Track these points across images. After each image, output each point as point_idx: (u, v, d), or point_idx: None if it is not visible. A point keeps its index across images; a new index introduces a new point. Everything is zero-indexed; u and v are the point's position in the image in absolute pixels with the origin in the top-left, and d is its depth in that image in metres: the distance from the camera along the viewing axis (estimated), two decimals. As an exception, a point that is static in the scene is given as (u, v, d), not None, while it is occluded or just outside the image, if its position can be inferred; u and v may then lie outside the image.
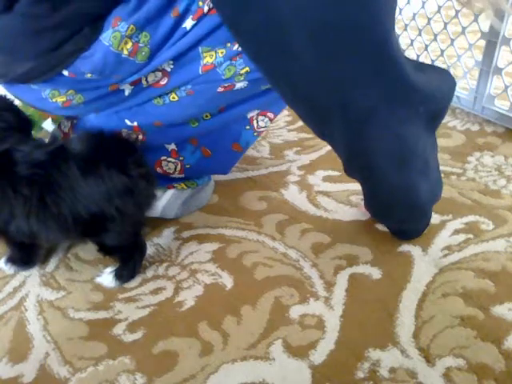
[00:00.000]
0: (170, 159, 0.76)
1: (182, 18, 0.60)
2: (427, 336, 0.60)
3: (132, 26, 0.58)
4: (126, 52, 0.60)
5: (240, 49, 0.62)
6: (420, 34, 1.10)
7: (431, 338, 0.60)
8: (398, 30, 1.17)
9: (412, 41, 1.13)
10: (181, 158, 0.76)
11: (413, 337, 0.60)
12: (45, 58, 0.60)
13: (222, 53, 0.63)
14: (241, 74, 0.65)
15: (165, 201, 0.79)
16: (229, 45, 0.62)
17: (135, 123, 0.71)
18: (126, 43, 0.59)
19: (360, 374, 0.56)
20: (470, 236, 0.74)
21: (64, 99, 0.66)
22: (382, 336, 0.60)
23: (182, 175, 0.78)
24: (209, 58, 0.63)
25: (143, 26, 0.59)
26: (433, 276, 0.68)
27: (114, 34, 0.58)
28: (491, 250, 0.71)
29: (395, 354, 0.58)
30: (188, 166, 0.77)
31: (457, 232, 0.75)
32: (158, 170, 0.76)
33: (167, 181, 0.79)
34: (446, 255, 0.71)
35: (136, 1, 0.58)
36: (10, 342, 0.62)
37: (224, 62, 0.63)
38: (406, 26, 1.14)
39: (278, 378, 0.56)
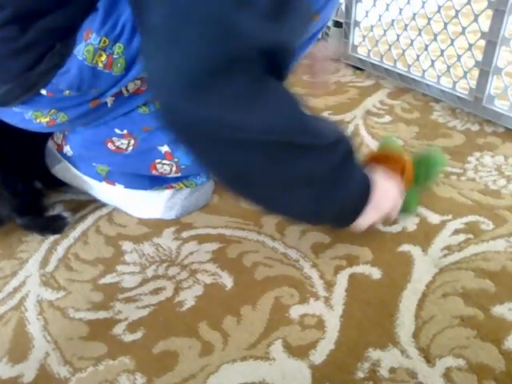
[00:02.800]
0: (164, 161, 0.75)
1: None
2: (427, 336, 0.60)
3: (104, 38, 0.58)
4: (101, 65, 0.59)
5: None
6: (420, 34, 1.11)
7: (431, 337, 0.60)
8: (398, 30, 1.17)
9: (412, 41, 1.13)
10: (175, 160, 0.75)
11: (413, 337, 0.60)
12: (21, 80, 0.59)
13: None
14: None
15: (164, 201, 0.79)
16: None
17: (125, 131, 0.71)
18: (101, 56, 0.58)
19: (360, 374, 0.56)
20: (470, 236, 0.74)
21: (48, 119, 0.66)
22: (382, 336, 0.60)
23: (179, 174, 0.78)
24: None
25: (116, 38, 0.58)
26: (433, 276, 0.68)
27: (87, 48, 0.58)
28: (491, 250, 0.71)
29: (395, 354, 0.58)
30: (183, 167, 0.76)
31: (457, 232, 0.75)
32: (154, 172, 0.76)
33: (165, 181, 0.79)
34: (445, 255, 0.71)
35: (103, 12, 0.57)
36: (9, 341, 0.62)
37: None
38: (406, 26, 1.14)
39: (278, 378, 0.56)
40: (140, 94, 0.66)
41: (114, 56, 0.59)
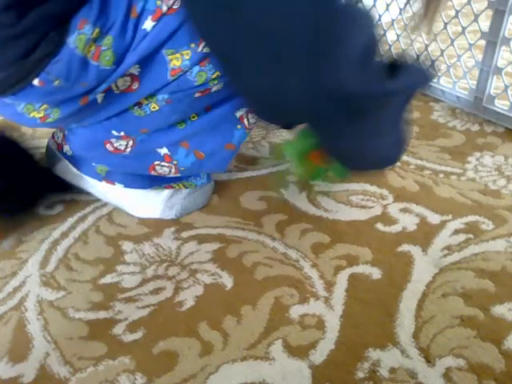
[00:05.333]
0: (163, 163, 0.75)
1: (140, 19, 0.59)
2: (427, 336, 0.60)
3: (98, 29, 0.58)
4: (89, 55, 0.59)
5: (205, 51, 0.61)
6: (420, 34, 1.11)
7: (431, 337, 0.60)
8: (397, 30, 1.17)
9: (412, 41, 1.13)
10: (174, 162, 0.75)
11: (413, 337, 0.60)
12: (15, 67, 0.59)
13: (187, 55, 0.62)
14: (213, 79, 0.64)
15: (164, 201, 0.79)
16: (193, 46, 0.61)
17: (122, 133, 0.71)
18: (91, 46, 0.58)
19: (360, 374, 0.56)
20: (470, 236, 0.74)
21: (41, 114, 0.65)
22: (382, 336, 0.60)
23: (178, 175, 0.78)
24: (175, 61, 0.62)
25: (107, 30, 0.58)
26: (433, 276, 0.68)
27: (79, 37, 0.58)
28: (491, 249, 0.71)
29: (395, 354, 0.58)
30: (183, 169, 0.76)
31: (457, 232, 0.75)
32: (153, 172, 0.76)
33: (165, 181, 0.79)
34: (445, 255, 0.71)
35: (99, 3, 0.57)
36: (9, 342, 0.62)
37: (193, 68, 0.63)
38: (406, 26, 1.14)
39: (278, 377, 0.56)
40: (131, 93, 0.65)
41: (103, 47, 0.59)
